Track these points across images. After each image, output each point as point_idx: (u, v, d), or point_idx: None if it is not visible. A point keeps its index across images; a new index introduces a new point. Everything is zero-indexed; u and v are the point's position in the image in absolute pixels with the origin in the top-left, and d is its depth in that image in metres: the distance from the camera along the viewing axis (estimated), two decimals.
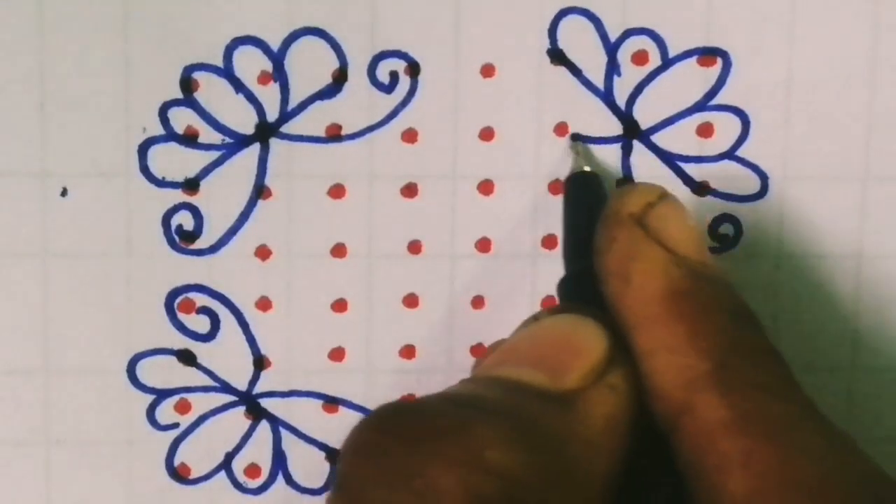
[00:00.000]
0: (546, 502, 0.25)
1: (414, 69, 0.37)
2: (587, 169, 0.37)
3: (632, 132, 0.38)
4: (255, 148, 0.37)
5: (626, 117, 0.38)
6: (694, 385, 0.28)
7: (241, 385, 0.38)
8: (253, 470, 0.39)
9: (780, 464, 0.27)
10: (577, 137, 0.38)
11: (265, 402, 0.38)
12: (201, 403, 0.38)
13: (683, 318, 0.29)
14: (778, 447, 0.27)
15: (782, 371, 0.30)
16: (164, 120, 0.37)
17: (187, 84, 0.37)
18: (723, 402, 0.28)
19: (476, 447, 0.25)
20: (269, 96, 0.37)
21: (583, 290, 0.33)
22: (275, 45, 0.37)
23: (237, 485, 0.39)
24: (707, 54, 0.38)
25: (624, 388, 0.29)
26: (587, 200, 0.36)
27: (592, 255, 0.32)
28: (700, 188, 0.38)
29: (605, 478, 0.27)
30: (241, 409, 0.38)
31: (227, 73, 0.37)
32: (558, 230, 0.38)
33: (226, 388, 0.38)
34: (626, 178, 0.38)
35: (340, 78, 0.37)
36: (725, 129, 0.38)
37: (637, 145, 0.38)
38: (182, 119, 0.37)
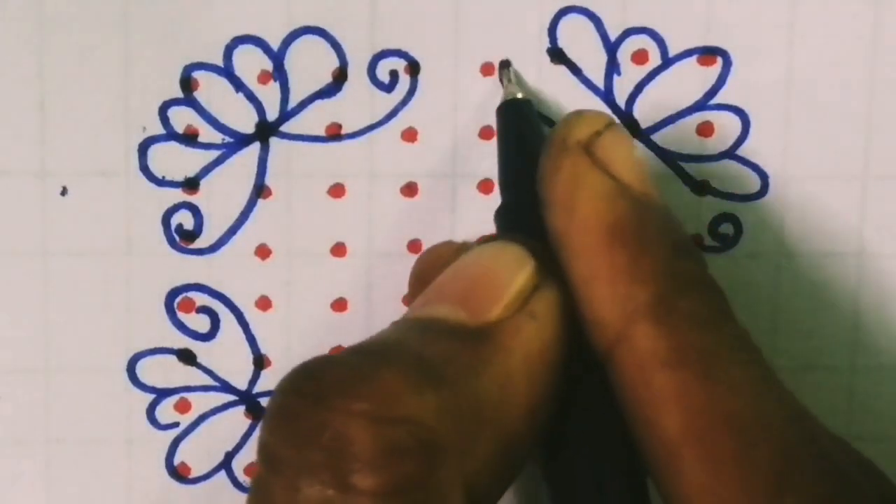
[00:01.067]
0: (463, 442, 0.25)
1: (414, 68, 0.37)
2: (519, 95, 0.36)
3: (632, 131, 0.38)
4: (255, 147, 0.37)
5: (626, 116, 0.38)
6: (631, 316, 0.28)
7: (241, 384, 0.38)
8: (253, 469, 0.39)
9: (713, 400, 0.27)
10: (506, 64, 0.37)
11: (265, 402, 0.38)
12: (201, 403, 0.38)
13: (625, 248, 0.29)
14: (712, 383, 0.27)
15: (720, 304, 0.29)
16: (164, 119, 0.37)
17: (187, 83, 0.37)
18: (659, 333, 0.27)
19: (383, 395, 0.25)
20: (269, 95, 0.37)
21: (519, 220, 0.33)
22: (275, 44, 0.37)
23: (237, 484, 0.39)
24: (707, 53, 0.38)
25: (548, 316, 0.28)
26: (520, 128, 0.35)
27: (528, 184, 0.31)
28: (700, 187, 0.38)
29: (528, 409, 0.27)
30: (241, 408, 0.38)
31: (227, 72, 0.37)
32: None
33: (226, 387, 0.38)
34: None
35: (340, 77, 0.37)
36: (725, 128, 0.38)
37: (637, 144, 0.38)
38: (182, 118, 0.37)
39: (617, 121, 0.32)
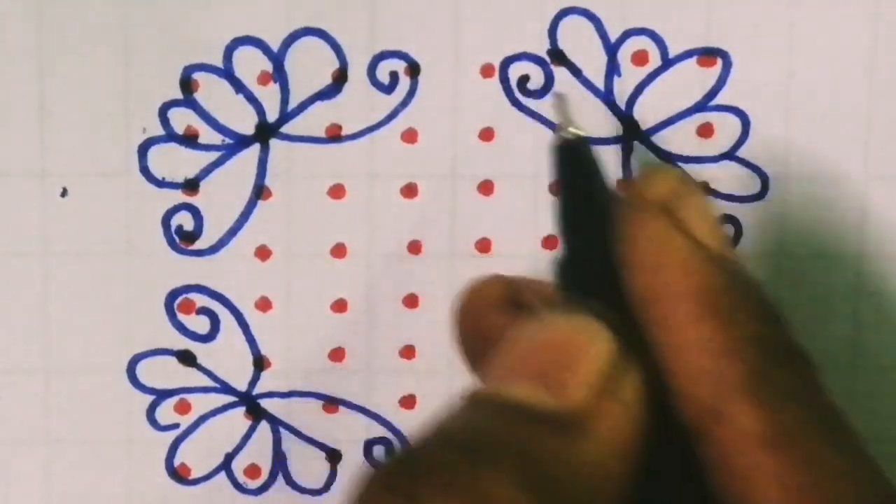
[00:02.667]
0: None
1: (414, 69, 0.37)
2: (576, 134, 0.34)
3: (632, 132, 0.38)
4: (255, 148, 0.37)
5: (626, 118, 0.38)
6: (725, 393, 0.27)
7: (241, 385, 0.38)
8: (253, 470, 0.39)
9: (811, 480, 0.26)
10: (560, 98, 0.34)
11: (265, 403, 0.38)
12: (201, 404, 0.38)
13: (715, 317, 0.28)
14: (810, 464, 0.26)
15: (811, 374, 0.28)
16: (164, 120, 0.37)
17: (187, 84, 0.37)
18: (756, 414, 0.27)
19: (481, 497, 0.24)
20: (269, 96, 0.37)
21: (583, 275, 0.31)
22: (275, 45, 0.37)
23: (237, 485, 0.39)
24: (707, 54, 0.38)
25: (635, 399, 0.27)
26: (580, 172, 0.33)
27: (591, 235, 0.31)
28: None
29: (616, 495, 0.27)
30: (241, 409, 0.38)
31: (227, 73, 0.37)
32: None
33: (226, 388, 0.38)
34: (627, 178, 0.38)
35: (340, 78, 0.37)
36: (725, 129, 0.38)
37: (637, 146, 0.38)
38: (182, 119, 0.37)
39: (691, 177, 0.31)
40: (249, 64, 0.37)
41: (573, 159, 0.33)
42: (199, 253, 0.38)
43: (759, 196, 0.38)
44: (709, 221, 0.29)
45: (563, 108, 0.34)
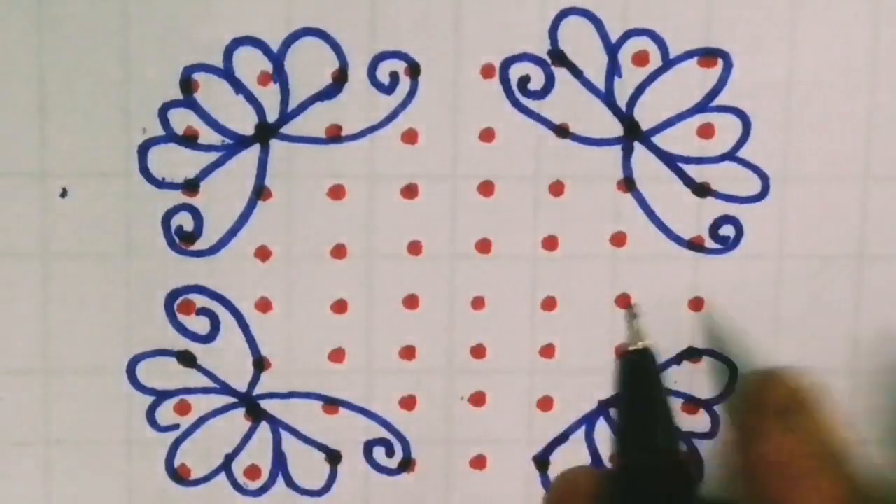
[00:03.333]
0: None
1: (414, 70, 0.37)
2: (644, 345, 0.35)
3: (632, 133, 0.38)
4: (255, 149, 0.37)
5: (626, 118, 0.38)
6: None
7: (241, 386, 0.38)
8: (253, 471, 0.39)
9: None
10: (633, 309, 0.37)
11: (265, 404, 0.38)
12: (201, 405, 0.38)
13: None
14: None
15: None
16: (164, 121, 0.37)
17: (187, 85, 0.37)
18: None
19: None
20: (269, 97, 0.37)
21: (643, 486, 0.32)
22: (275, 45, 0.37)
23: (237, 486, 0.39)
24: (708, 55, 0.37)
25: None
26: (646, 383, 0.34)
27: (652, 446, 0.31)
28: (701, 189, 0.38)
29: None
30: (241, 410, 0.38)
31: (226, 73, 0.37)
32: (559, 231, 0.38)
33: (226, 389, 0.38)
34: (628, 179, 0.38)
35: (340, 79, 0.37)
36: (726, 129, 0.38)
37: (638, 146, 0.38)
38: (182, 120, 0.37)
39: (806, 379, 0.32)
40: (249, 64, 0.37)
41: (641, 368, 0.34)
42: (199, 253, 0.38)
43: (760, 196, 0.38)
44: (828, 424, 0.30)
45: (634, 323, 0.35)
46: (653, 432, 0.32)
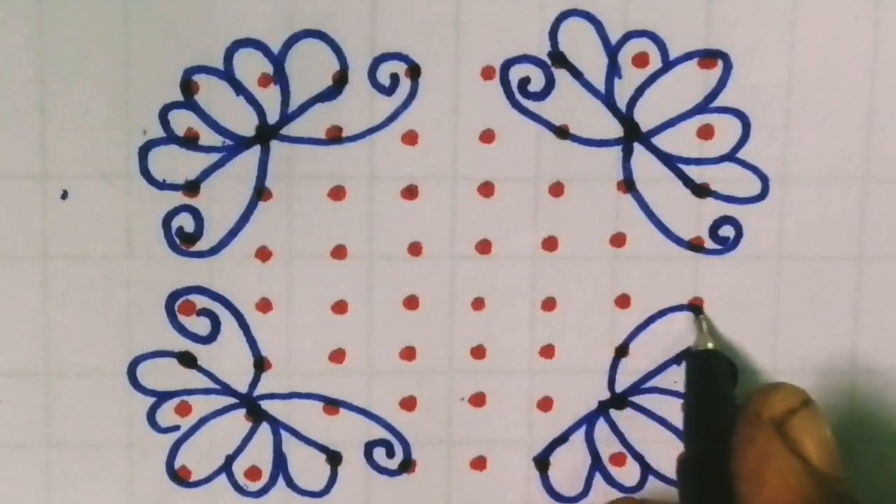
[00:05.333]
0: None
1: (414, 71, 0.37)
2: (710, 346, 0.38)
3: (632, 134, 0.38)
4: (256, 150, 0.37)
5: (626, 119, 0.38)
6: None
7: (242, 387, 0.38)
8: (253, 472, 0.39)
9: None
10: (700, 312, 0.39)
11: (266, 405, 0.38)
12: (202, 406, 0.38)
13: None
14: None
15: None
16: (165, 122, 0.37)
17: (188, 86, 0.37)
18: None
19: None
20: (270, 98, 0.37)
21: (704, 475, 0.35)
22: (275, 47, 0.37)
23: (238, 487, 0.39)
24: (707, 56, 0.38)
25: None
26: (710, 381, 0.37)
27: (713, 439, 0.34)
28: (701, 190, 0.38)
29: None
30: (242, 411, 0.38)
31: (227, 75, 0.37)
32: (559, 232, 0.38)
33: (226, 390, 0.38)
34: (628, 180, 0.38)
35: (341, 80, 0.37)
36: (726, 130, 0.38)
37: (638, 147, 0.38)
38: (182, 121, 0.37)
39: (811, 399, 0.33)
40: (250, 66, 0.37)
41: (707, 367, 0.37)
42: (200, 254, 0.38)
43: (760, 197, 0.38)
44: (822, 443, 0.32)
45: (702, 323, 0.38)
46: (719, 424, 0.34)
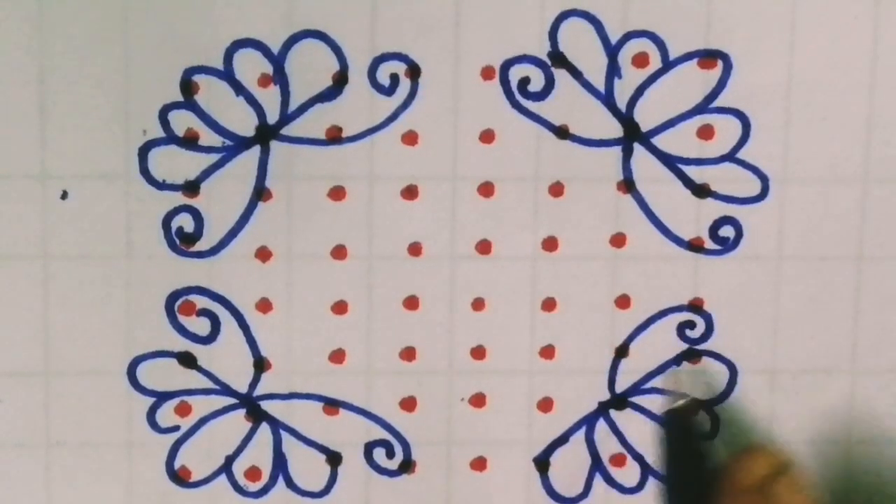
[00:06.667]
0: None
1: (414, 71, 0.37)
2: (686, 401, 0.38)
3: (632, 134, 0.38)
4: (256, 150, 0.37)
5: (626, 119, 0.38)
6: None
7: (242, 387, 0.38)
8: (253, 472, 0.39)
9: None
10: (679, 371, 0.39)
11: (265, 405, 0.38)
12: (202, 406, 0.38)
13: None
14: None
15: None
16: (165, 122, 0.37)
17: (187, 87, 0.37)
18: None
19: None
20: (270, 99, 0.37)
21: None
22: (275, 47, 0.37)
23: (237, 488, 0.39)
24: (707, 56, 0.38)
25: None
26: (686, 441, 0.37)
27: (690, 499, 0.34)
28: (700, 190, 0.38)
29: None
30: (242, 411, 0.38)
31: (227, 75, 0.37)
32: (558, 232, 0.38)
33: (226, 390, 0.38)
34: (627, 180, 0.38)
35: (341, 80, 0.37)
36: (726, 131, 0.38)
37: (638, 147, 0.38)
38: (182, 122, 0.37)
39: (791, 461, 0.34)
40: (250, 66, 0.37)
41: (683, 427, 0.38)
42: (200, 255, 0.38)
43: (760, 197, 0.38)
44: (801, 497, 0.33)
45: (680, 380, 0.38)
46: (694, 488, 0.35)
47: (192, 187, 0.37)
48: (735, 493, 0.32)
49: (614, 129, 0.38)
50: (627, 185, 0.38)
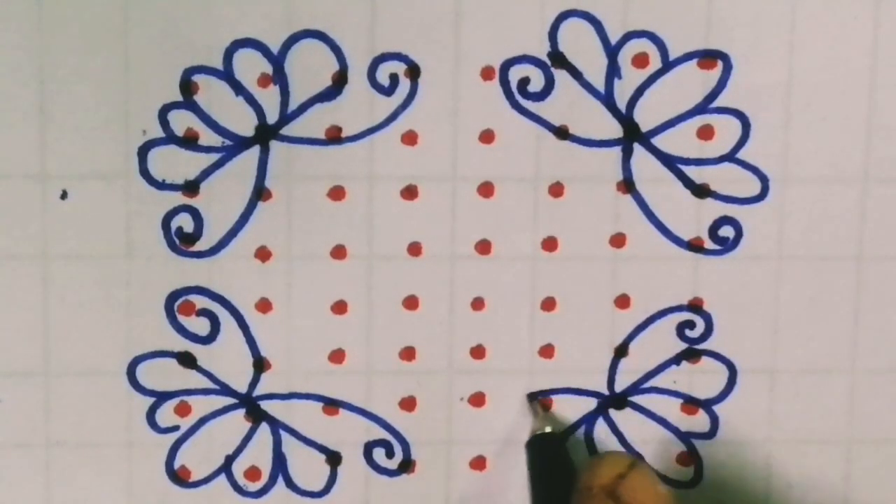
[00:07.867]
0: None
1: (414, 71, 0.37)
2: (547, 430, 0.38)
3: (632, 134, 0.38)
4: (255, 150, 0.37)
5: (626, 120, 0.38)
6: None
7: (241, 387, 0.38)
8: (253, 473, 0.39)
9: None
10: (534, 397, 0.39)
11: (265, 405, 0.38)
12: (201, 406, 0.38)
13: None
14: None
15: None
16: (164, 122, 0.37)
17: (187, 86, 0.37)
18: None
19: None
20: (269, 98, 0.37)
21: None
22: (275, 47, 0.37)
23: (237, 488, 0.39)
24: (707, 57, 0.38)
25: None
26: (549, 464, 0.37)
27: None
28: (700, 190, 0.38)
29: None
30: (241, 411, 0.38)
31: (226, 75, 0.37)
32: (558, 232, 0.38)
33: (226, 390, 0.38)
34: (627, 180, 0.38)
35: (340, 80, 0.37)
36: (726, 131, 0.38)
37: (637, 148, 0.38)
38: (182, 121, 0.37)
39: (639, 460, 0.35)
40: (249, 66, 0.37)
41: (544, 451, 0.38)
42: (200, 255, 0.38)
43: (760, 197, 0.38)
44: (655, 496, 0.33)
45: (537, 407, 0.39)
46: (560, 500, 0.35)
47: (191, 187, 0.37)
48: (586, 499, 0.33)
49: (614, 130, 0.38)
50: (627, 185, 0.38)
